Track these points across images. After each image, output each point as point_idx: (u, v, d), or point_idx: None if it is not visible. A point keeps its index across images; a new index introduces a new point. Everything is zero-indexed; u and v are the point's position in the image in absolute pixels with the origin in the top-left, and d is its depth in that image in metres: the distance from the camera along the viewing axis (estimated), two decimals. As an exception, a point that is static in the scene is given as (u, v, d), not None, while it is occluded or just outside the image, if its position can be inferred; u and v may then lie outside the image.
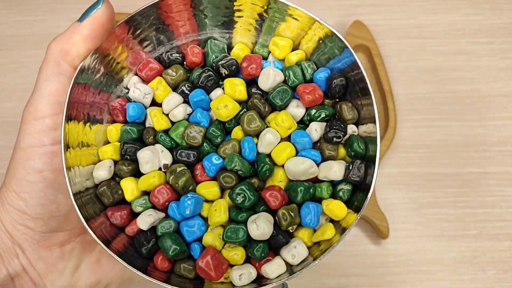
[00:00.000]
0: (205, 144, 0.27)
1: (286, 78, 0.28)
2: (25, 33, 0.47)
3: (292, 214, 0.26)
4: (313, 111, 0.27)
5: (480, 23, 0.47)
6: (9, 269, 0.28)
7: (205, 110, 0.28)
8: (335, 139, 0.26)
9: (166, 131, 0.28)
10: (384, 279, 0.40)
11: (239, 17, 0.29)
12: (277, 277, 0.25)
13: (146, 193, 0.27)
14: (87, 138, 0.27)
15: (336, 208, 0.26)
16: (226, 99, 0.27)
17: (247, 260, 0.26)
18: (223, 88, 0.28)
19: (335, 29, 0.27)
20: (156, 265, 0.26)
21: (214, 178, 0.27)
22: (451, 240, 0.41)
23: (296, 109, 0.28)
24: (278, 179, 0.27)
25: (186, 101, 0.28)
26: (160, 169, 0.27)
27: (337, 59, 0.28)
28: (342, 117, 0.27)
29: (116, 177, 0.28)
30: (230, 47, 0.30)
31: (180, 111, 0.28)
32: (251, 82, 0.29)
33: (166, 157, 0.27)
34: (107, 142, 0.28)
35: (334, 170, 0.26)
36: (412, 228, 0.41)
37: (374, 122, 0.26)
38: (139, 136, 0.28)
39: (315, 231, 0.27)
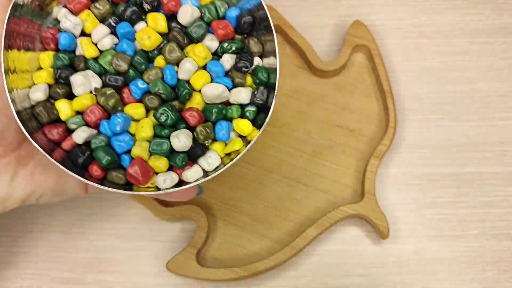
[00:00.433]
0: (131, 70, 0.31)
1: (202, 15, 0.32)
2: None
3: (207, 130, 0.30)
4: (226, 44, 0.32)
5: (480, 23, 0.47)
6: None
7: (130, 41, 0.31)
8: (243, 69, 0.32)
9: (95, 59, 0.31)
10: (384, 279, 0.40)
11: None
12: (195, 180, 0.30)
13: (78, 113, 0.30)
14: (21, 64, 0.30)
15: (243, 125, 0.31)
16: (150, 31, 0.31)
17: (170, 168, 0.31)
18: (146, 22, 0.32)
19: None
20: (91, 173, 0.30)
21: (140, 101, 0.31)
22: (451, 240, 0.41)
23: (211, 42, 0.32)
24: (196, 102, 0.31)
25: (113, 33, 0.32)
26: (91, 92, 0.30)
27: (246, 0, 0.33)
28: (249, 50, 0.32)
29: (51, 99, 0.31)
30: None
31: (107, 41, 0.31)
32: (171, 17, 0.32)
33: (96, 82, 0.30)
34: (40, 69, 0.31)
35: (243, 95, 0.31)
36: (412, 228, 0.42)
37: (275, 56, 0.31)
38: (71, 63, 0.31)
39: (226, 145, 0.31)
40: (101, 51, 0.31)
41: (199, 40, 0.32)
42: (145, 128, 0.30)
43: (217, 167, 0.31)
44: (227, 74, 0.32)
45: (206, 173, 0.31)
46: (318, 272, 0.41)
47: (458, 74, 0.46)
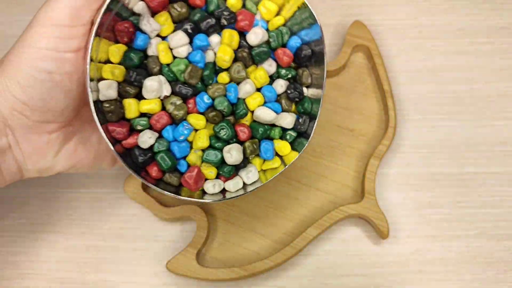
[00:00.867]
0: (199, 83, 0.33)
1: (270, 39, 0.34)
2: None
3: (254, 146, 0.34)
4: (283, 71, 0.35)
5: (480, 23, 0.47)
6: None
7: (203, 52, 0.33)
8: (295, 99, 0.35)
9: (168, 65, 0.33)
10: (384, 279, 0.40)
11: None
12: (235, 191, 0.34)
13: (142, 114, 0.33)
14: (92, 53, 0.31)
15: (284, 147, 0.35)
16: (228, 51, 0.33)
17: (217, 177, 0.34)
18: (219, 34, 0.34)
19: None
20: (150, 173, 0.33)
21: (202, 113, 0.33)
22: (451, 240, 0.41)
23: (269, 67, 0.35)
24: (247, 119, 0.34)
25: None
26: (159, 97, 0.33)
27: (307, 31, 0.34)
28: (300, 80, 0.35)
29: (118, 96, 0.32)
30: None
31: (184, 50, 0.33)
32: (239, 34, 0.34)
33: (167, 89, 0.33)
34: (108, 62, 0.32)
35: (288, 120, 0.34)
36: (412, 228, 0.42)
37: (321, 88, 0.34)
38: (139, 62, 0.32)
39: (264, 161, 0.35)
40: (174, 56, 0.33)
41: (261, 63, 0.35)
42: (202, 139, 0.33)
43: (255, 182, 0.34)
44: (277, 98, 0.35)
45: (244, 185, 0.34)
46: (318, 272, 0.41)
47: (458, 74, 0.46)
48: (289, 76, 0.35)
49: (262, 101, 0.34)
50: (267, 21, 0.35)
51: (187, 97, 0.33)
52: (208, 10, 0.34)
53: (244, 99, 0.34)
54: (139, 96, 0.33)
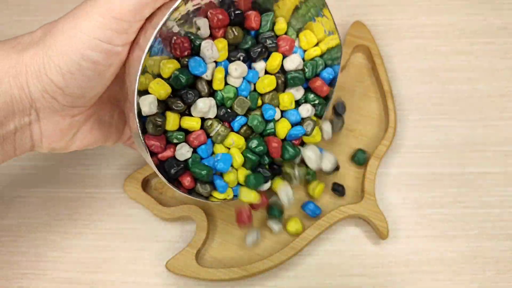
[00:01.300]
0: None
1: (306, 69, 0.37)
2: (25, 33, 0.47)
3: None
4: (311, 96, 0.38)
5: (480, 23, 0.47)
6: (17, 125, 0.31)
7: (248, 83, 0.35)
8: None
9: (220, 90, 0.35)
10: (384, 279, 0.40)
11: None
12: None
13: (180, 128, 0.34)
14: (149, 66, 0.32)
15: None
16: (272, 84, 0.36)
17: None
18: (264, 60, 0.36)
19: (340, 32, 0.34)
20: (183, 183, 0.34)
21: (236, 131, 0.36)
22: (451, 240, 0.41)
23: (296, 92, 0.37)
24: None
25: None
26: (202, 117, 0.34)
27: (337, 67, 0.38)
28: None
29: (160, 107, 0.33)
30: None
31: (239, 81, 0.35)
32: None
33: (213, 112, 0.34)
34: (158, 76, 0.33)
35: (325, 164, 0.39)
36: (412, 228, 0.41)
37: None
38: (187, 84, 0.33)
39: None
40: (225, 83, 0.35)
41: (292, 88, 0.37)
42: (239, 160, 0.35)
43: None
44: (301, 120, 0.38)
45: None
46: (318, 272, 0.41)
47: (458, 74, 0.46)
48: (316, 101, 0.38)
49: (289, 126, 0.37)
50: (305, 50, 0.37)
51: (229, 121, 0.35)
52: (258, 32, 0.36)
53: (275, 121, 0.37)
54: (183, 111, 0.34)
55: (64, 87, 0.30)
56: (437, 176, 0.43)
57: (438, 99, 0.45)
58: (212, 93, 0.35)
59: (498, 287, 0.40)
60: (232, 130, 0.35)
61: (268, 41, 0.35)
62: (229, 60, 0.35)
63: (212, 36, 0.34)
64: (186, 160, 0.34)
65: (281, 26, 0.36)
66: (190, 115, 0.34)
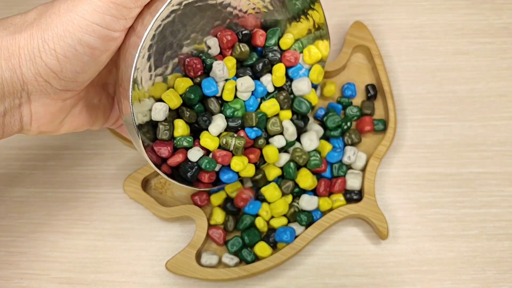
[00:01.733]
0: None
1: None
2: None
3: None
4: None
5: (480, 23, 0.47)
6: (6, 107, 0.30)
7: (256, 99, 0.38)
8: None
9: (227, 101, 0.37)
10: (384, 279, 0.40)
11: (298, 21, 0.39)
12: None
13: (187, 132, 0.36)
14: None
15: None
16: (275, 110, 0.38)
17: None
18: (270, 72, 0.38)
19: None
20: (202, 179, 0.37)
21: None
22: (451, 240, 0.41)
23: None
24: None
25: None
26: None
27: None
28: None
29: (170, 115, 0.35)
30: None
31: (248, 95, 0.37)
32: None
33: (223, 122, 0.36)
34: (171, 88, 0.35)
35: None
36: (412, 228, 0.41)
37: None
38: (197, 101, 0.36)
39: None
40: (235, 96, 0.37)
41: (295, 111, 0.39)
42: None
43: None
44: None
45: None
46: (318, 272, 0.41)
47: (458, 74, 0.46)
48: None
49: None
50: (310, 65, 0.39)
51: (237, 129, 0.37)
52: (265, 46, 0.38)
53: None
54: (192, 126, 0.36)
55: (59, 71, 0.29)
56: (437, 176, 0.43)
57: (438, 99, 0.45)
58: (221, 110, 0.37)
59: (498, 287, 0.40)
60: (248, 138, 0.37)
61: (271, 54, 0.38)
62: (238, 76, 0.37)
63: (222, 54, 0.37)
64: (198, 161, 0.36)
65: (286, 40, 0.38)
66: (199, 128, 0.36)
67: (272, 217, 0.40)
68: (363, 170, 0.42)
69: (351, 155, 0.41)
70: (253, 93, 0.37)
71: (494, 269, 0.40)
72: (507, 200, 0.42)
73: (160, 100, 0.35)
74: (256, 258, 0.39)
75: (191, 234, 0.42)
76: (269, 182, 0.40)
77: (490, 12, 0.47)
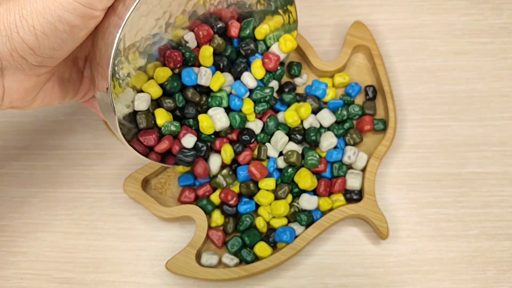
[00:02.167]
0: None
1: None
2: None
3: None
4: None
5: (480, 23, 0.47)
6: None
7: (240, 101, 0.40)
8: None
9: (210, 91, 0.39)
10: (384, 279, 0.40)
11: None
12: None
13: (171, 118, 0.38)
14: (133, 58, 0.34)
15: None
16: (296, 120, 0.41)
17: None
18: (250, 71, 0.41)
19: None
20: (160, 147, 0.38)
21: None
22: (451, 240, 0.41)
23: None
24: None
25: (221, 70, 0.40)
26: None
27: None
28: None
29: (151, 107, 0.37)
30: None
31: (227, 89, 0.40)
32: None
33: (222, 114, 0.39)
34: (151, 78, 0.37)
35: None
36: (412, 228, 0.41)
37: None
38: (179, 90, 0.38)
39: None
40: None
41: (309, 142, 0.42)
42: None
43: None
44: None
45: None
46: (318, 272, 0.41)
47: (458, 74, 0.46)
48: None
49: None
50: (285, 54, 0.41)
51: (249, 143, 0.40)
52: (241, 36, 0.40)
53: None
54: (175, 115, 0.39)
55: (36, 48, 0.29)
56: (437, 176, 0.43)
57: (438, 99, 0.45)
58: (202, 99, 0.39)
59: (498, 287, 0.40)
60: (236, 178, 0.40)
61: (245, 47, 0.40)
62: (215, 65, 0.39)
63: (199, 46, 0.39)
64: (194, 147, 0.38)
65: (261, 30, 0.40)
66: (182, 116, 0.39)
67: (273, 217, 0.40)
68: (363, 170, 0.42)
69: (351, 155, 0.41)
70: (237, 94, 0.40)
71: (494, 269, 0.40)
72: (507, 200, 0.42)
73: (141, 91, 0.37)
74: (256, 258, 0.39)
75: (191, 234, 0.42)
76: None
77: (490, 12, 0.47)
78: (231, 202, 0.40)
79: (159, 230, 0.42)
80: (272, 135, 0.41)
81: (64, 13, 0.28)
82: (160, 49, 0.37)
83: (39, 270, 0.41)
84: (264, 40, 0.41)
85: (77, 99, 0.38)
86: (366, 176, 0.41)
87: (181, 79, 0.38)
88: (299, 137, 0.41)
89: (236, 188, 0.41)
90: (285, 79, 0.45)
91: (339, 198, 0.41)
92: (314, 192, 0.41)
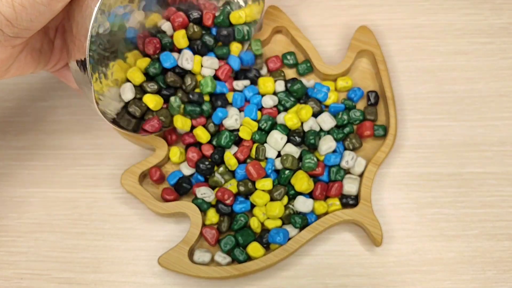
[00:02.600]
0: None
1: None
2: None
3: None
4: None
5: (480, 23, 0.47)
6: None
7: (257, 108, 0.42)
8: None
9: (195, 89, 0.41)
10: (384, 279, 0.40)
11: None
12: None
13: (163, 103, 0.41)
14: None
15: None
16: (296, 123, 0.41)
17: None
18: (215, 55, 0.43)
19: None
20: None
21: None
22: (451, 240, 0.41)
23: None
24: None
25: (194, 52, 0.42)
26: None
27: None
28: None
29: (137, 94, 0.40)
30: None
31: (210, 71, 0.42)
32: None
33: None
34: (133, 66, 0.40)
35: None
36: (412, 228, 0.41)
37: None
38: (160, 73, 0.40)
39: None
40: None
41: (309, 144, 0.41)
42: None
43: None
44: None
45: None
46: (317, 272, 0.41)
47: (458, 74, 0.46)
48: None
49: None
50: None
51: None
52: (216, 22, 0.42)
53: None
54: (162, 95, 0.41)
55: (13, 19, 0.29)
56: (437, 176, 0.43)
57: (438, 99, 0.45)
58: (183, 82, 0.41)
59: (498, 287, 0.40)
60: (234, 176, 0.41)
61: (224, 32, 0.42)
62: (191, 48, 0.41)
63: (175, 31, 0.41)
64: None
65: (235, 15, 0.42)
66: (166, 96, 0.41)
67: (267, 218, 0.40)
68: (361, 175, 0.42)
69: (349, 159, 0.41)
70: (253, 103, 0.42)
71: (494, 269, 0.40)
72: (507, 200, 0.42)
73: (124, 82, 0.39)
74: (248, 258, 0.39)
75: (191, 234, 0.42)
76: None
77: (490, 12, 0.47)
78: (227, 202, 0.40)
79: (159, 230, 0.42)
80: (268, 133, 0.41)
81: None
82: (139, 37, 0.39)
83: (39, 270, 0.41)
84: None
85: (48, 68, 0.39)
86: (363, 182, 0.41)
87: (160, 63, 0.40)
88: (298, 139, 0.41)
89: (234, 188, 0.40)
90: (287, 74, 0.46)
91: (335, 202, 0.41)
92: (310, 195, 0.41)
